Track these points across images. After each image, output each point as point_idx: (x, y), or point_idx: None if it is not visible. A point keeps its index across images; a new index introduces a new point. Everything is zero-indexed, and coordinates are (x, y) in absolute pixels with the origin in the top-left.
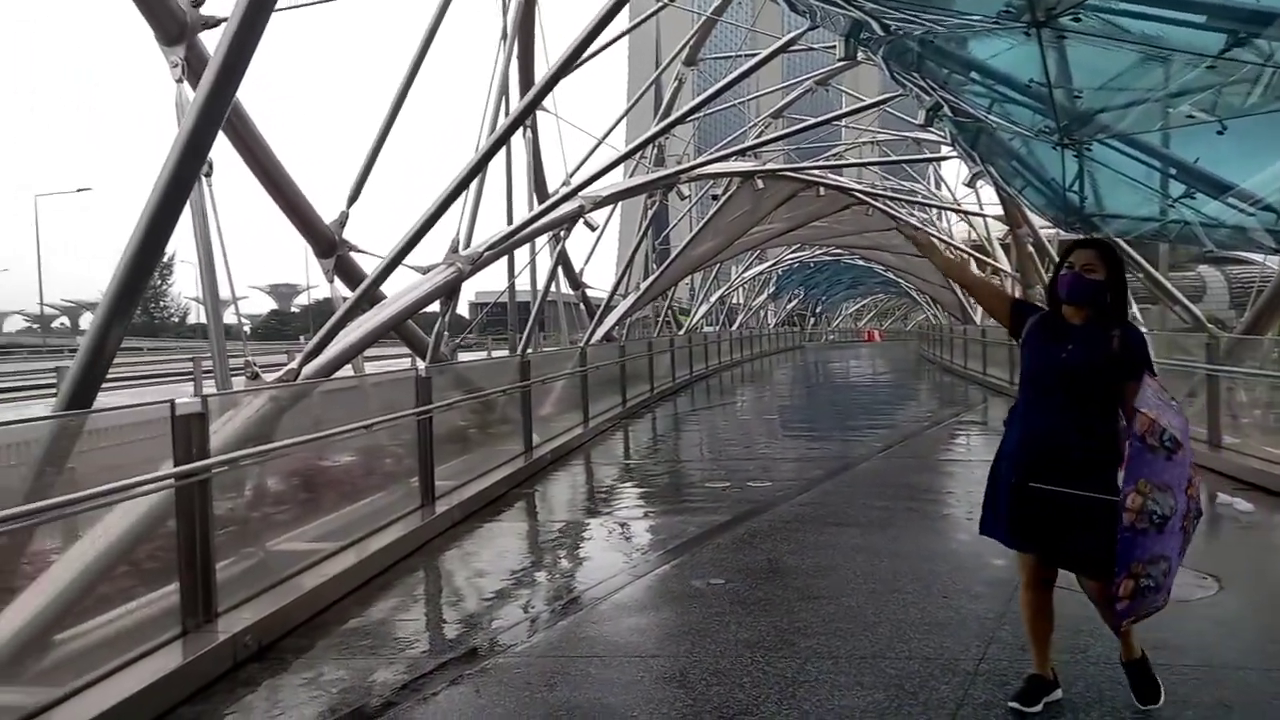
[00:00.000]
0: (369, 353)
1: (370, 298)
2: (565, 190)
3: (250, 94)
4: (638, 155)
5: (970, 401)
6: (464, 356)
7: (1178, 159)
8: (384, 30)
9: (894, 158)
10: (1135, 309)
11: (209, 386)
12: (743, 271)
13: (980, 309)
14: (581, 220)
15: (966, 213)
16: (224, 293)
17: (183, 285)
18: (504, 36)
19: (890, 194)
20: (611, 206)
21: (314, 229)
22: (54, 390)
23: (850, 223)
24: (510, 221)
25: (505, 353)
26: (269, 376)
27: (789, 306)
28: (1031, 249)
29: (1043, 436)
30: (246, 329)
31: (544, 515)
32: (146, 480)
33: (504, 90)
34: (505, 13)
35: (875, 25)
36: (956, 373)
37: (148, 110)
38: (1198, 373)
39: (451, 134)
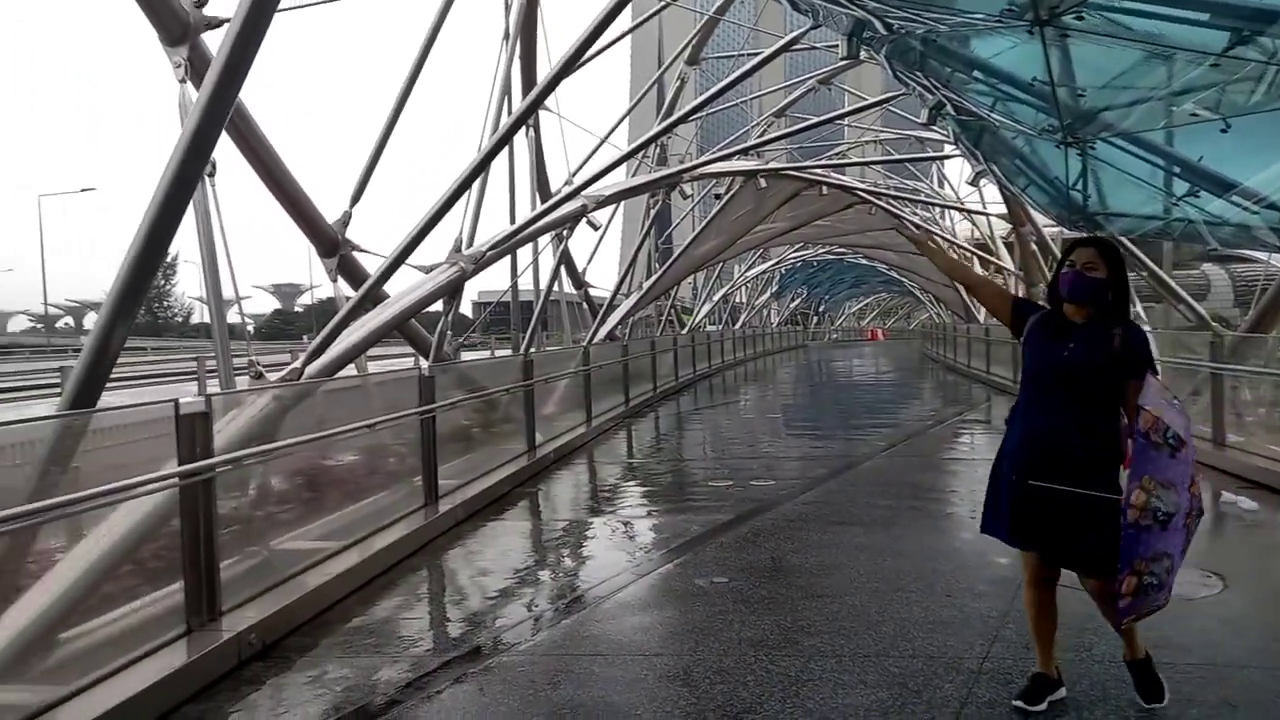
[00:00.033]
0: (372, 352)
1: (373, 297)
2: (568, 190)
3: (253, 94)
4: (640, 154)
5: (974, 400)
6: (467, 356)
7: (1181, 157)
8: (387, 30)
9: (897, 156)
10: (1139, 307)
11: (213, 386)
12: (745, 270)
13: (983, 308)
14: (584, 220)
15: (970, 211)
16: (227, 292)
17: (186, 285)
18: (506, 36)
19: (893, 193)
20: (614, 206)
21: (317, 228)
22: (58, 390)
23: (853, 222)
24: (513, 221)
25: (508, 352)
26: (272, 376)
27: (792, 305)
28: (1035, 247)
29: (1044, 435)
30: (250, 328)
31: (547, 514)
32: (151, 479)
33: (506, 90)
34: (507, 12)
35: (878, 24)
36: (960, 371)
37: (151, 111)
38: (1202, 371)
39: (454, 134)
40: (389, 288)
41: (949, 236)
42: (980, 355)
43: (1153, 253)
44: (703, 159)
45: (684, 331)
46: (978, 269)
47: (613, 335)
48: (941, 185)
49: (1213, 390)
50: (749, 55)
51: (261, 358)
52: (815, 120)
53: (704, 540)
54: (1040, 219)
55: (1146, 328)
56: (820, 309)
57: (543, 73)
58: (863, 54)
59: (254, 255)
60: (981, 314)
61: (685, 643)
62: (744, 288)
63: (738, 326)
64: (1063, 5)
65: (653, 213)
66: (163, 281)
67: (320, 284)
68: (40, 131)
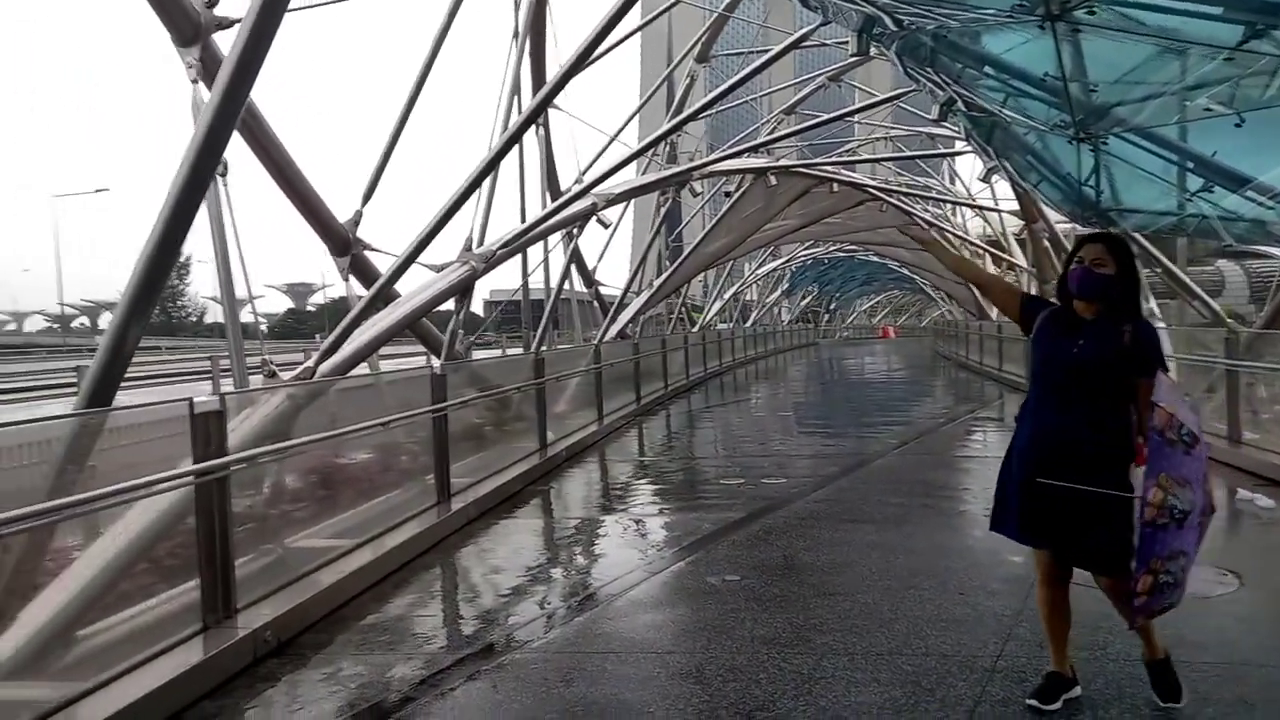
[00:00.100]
0: (384, 351)
1: (385, 296)
2: (578, 188)
3: (264, 94)
4: (650, 152)
5: (986, 398)
6: (479, 354)
7: (1195, 152)
8: (397, 30)
9: (908, 153)
10: (1154, 304)
11: (226, 385)
12: (756, 268)
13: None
14: (594, 218)
15: (981, 208)
16: (240, 292)
17: (200, 285)
18: (516, 35)
19: (904, 189)
20: (624, 204)
21: (329, 228)
22: (74, 389)
23: (864, 219)
24: (523, 219)
25: (519, 351)
26: (285, 375)
27: (803, 303)
28: (1047, 244)
29: (1054, 432)
30: (263, 328)
31: (559, 512)
32: (166, 478)
33: (516, 88)
34: (517, 11)
35: (888, 20)
36: (972, 369)
37: (164, 111)
38: (1217, 368)
39: (464, 133)
40: (400, 287)
41: (961, 233)
42: (992, 353)
43: (1167, 249)
44: (713, 156)
45: (695, 330)
46: (990, 267)
47: (623, 333)
48: (953, 182)
49: (1228, 387)
50: (758, 52)
51: (275, 357)
52: (825, 117)
53: (716, 538)
54: (1053, 215)
55: (1160, 324)
56: (831, 307)
57: (552, 71)
58: (873, 50)
59: (267, 255)
60: (993, 311)
61: (697, 640)
62: (755, 285)
63: (749, 324)
64: (1074, 0)
65: (663, 211)
66: (177, 281)
67: (332, 283)
68: (55, 133)
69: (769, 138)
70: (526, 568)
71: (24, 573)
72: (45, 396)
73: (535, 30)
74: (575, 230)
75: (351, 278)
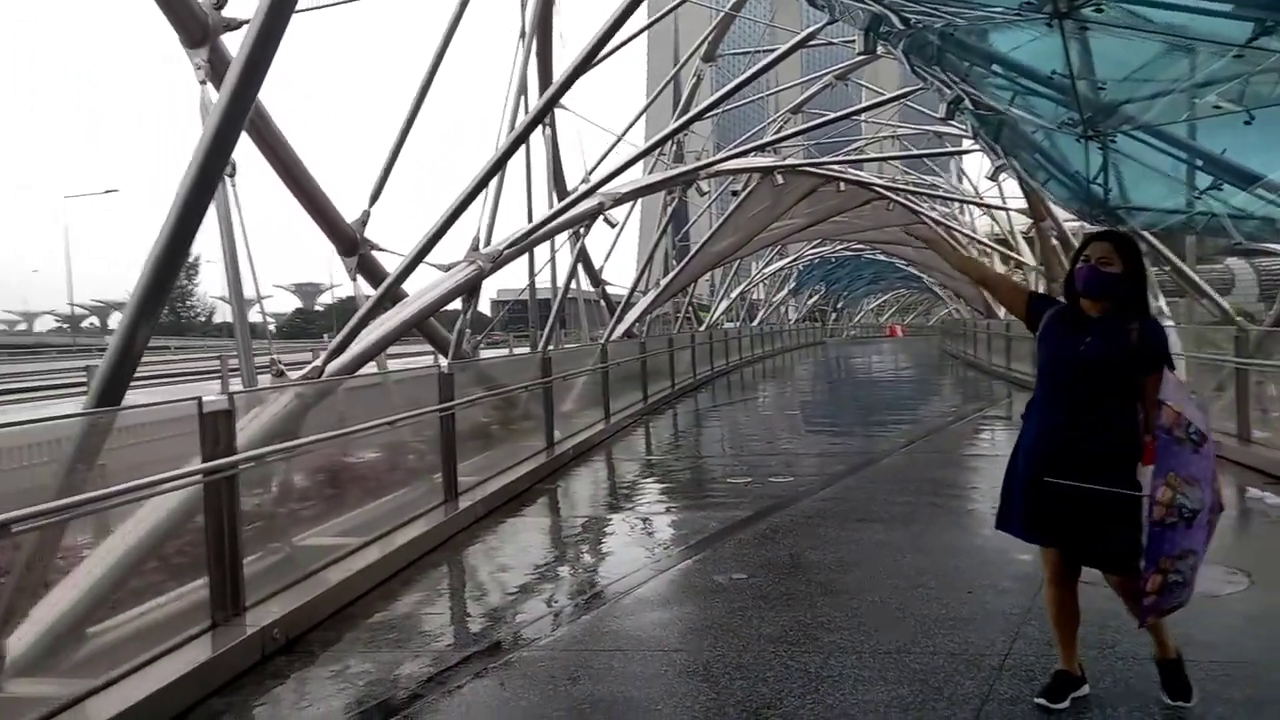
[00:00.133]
0: (391, 350)
1: (392, 296)
2: (585, 187)
3: (272, 95)
4: (657, 152)
5: (994, 396)
6: (486, 354)
7: (1204, 150)
8: (404, 30)
9: (915, 152)
10: (1163, 302)
11: (235, 384)
12: (763, 267)
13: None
14: (601, 217)
15: (989, 206)
16: (249, 292)
17: (208, 285)
18: (522, 35)
19: (912, 188)
20: (631, 203)
21: (337, 228)
22: (84, 388)
23: (871, 218)
24: (530, 219)
25: (526, 350)
26: (294, 374)
27: (810, 302)
28: (1055, 242)
29: (1060, 430)
30: (271, 327)
31: (566, 510)
32: (175, 476)
33: (523, 88)
34: (524, 11)
35: (895, 19)
36: (980, 367)
37: (172, 112)
38: (1226, 366)
39: (471, 132)
40: (408, 286)
41: (969, 232)
42: (1000, 351)
43: (1176, 247)
44: (719, 155)
45: (702, 328)
46: (998, 266)
47: (630, 332)
48: (960, 180)
49: (1237, 385)
50: (765, 51)
51: (283, 356)
52: (832, 116)
53: (723, 537)
54: (1061, 213)
55: (1169, 323)
56: (838, 305)
57: (559, 71)
58: (880, 49)
59: (275, 255)
60: (1001, 310)
61: (704, 639)
62: (762, 284)
63: (755, 323)
64: None
65: (670, 210)
66: (185, 281)
67: (340, 283)
68: (64, 134)
69: (776, 137)
70: (534, 566)
71: (35, 571)
72: (55, 396)
73: (542, 30)
74: (582, 230)
75: (359, 277)
